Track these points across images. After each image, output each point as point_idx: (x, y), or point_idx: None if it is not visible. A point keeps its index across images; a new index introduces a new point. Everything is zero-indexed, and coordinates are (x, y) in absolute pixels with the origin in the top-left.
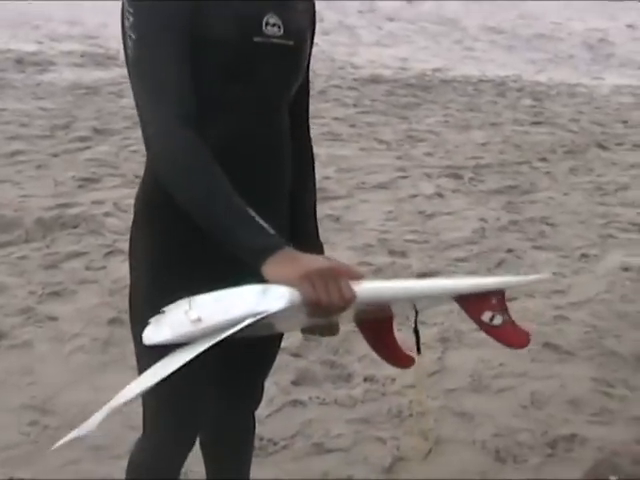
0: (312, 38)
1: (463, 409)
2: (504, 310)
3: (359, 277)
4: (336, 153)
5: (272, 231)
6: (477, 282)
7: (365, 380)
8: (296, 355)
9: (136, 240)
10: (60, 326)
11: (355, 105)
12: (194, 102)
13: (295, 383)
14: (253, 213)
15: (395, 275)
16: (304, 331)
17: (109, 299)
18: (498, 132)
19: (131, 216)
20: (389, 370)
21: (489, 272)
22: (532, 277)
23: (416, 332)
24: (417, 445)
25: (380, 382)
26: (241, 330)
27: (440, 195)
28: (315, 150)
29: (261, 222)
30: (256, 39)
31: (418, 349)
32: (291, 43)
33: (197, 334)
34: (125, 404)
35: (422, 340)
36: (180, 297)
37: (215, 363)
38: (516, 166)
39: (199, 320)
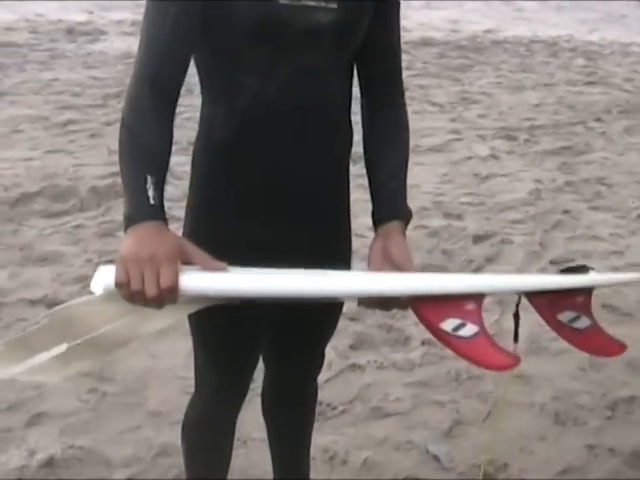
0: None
1: (521, 372)
2: (589, 312)
3: (215, 268)
4: None
5: (153, 201)
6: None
7: (423, 343)
8: (354, 319)
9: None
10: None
11: (407, 68)
12: (177, 74)
13: (353, 347)
14: (148, 177)
15: (451, 237)
16: (361, 303)
17: None
18: (552, 93)
19: (186, 183)
20: None
21: (545, 234)
22: (627, 276)
23: (516, 317)
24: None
25: (438, 345)
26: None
27: (495, 157)
28: None
29: (148, 187)
30: (282, 1)
31: (515, 336)
32: (333, 6)
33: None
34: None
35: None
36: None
37: (273, 327)
38: (570, 127)
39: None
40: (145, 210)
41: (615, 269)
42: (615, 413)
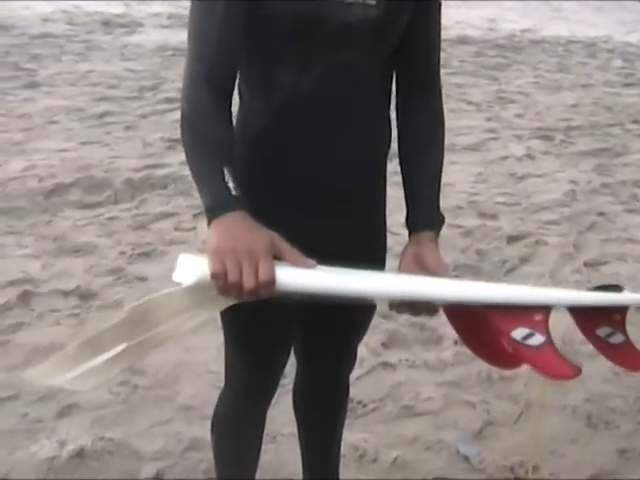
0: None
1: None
2: (624, 328)
3: (305, 265)
4: None
5: (235, 192)
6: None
7: (455, 343)
8: (386, 317)
9: None
10: (150, 286)
11: (444, 66)
12: (230, 66)
13: (385, 345)
14: (225, 169)
15: (485, 237)
16: (392, 307)
17: None
18: (589, 93)
19: None
20: None
21: (580, 235)
22: None
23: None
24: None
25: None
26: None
27: (530, 157)
28: None
29: (227, 179)
30: None
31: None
32: (372, 2)
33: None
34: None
35: None
36: None
37: (305, 324)
38: (607, 128)
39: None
40: (229, 201)
41: None
42: None
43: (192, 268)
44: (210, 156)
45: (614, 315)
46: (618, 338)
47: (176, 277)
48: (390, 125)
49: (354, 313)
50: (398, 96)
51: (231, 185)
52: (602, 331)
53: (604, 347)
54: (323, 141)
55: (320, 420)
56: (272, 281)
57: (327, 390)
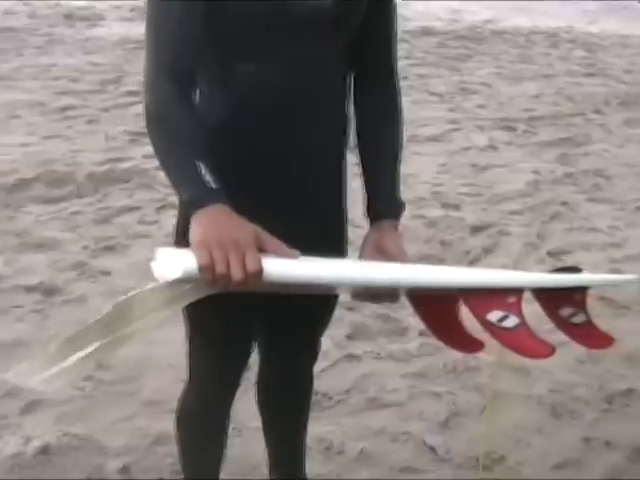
0: None
1: (519, 364)
2: (585, 308)
3: (289, 255)
4: None
5: (212, 185)
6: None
7: (420, 334)
8: (351, 309)
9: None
10: (113, 280)
11: (407, 57)
12: (191, 59)
13: (350, 337)
14: (200, 163)
15: (448, 228)
16: (355, 296)
17: None
18: (551, 84)
19: None
20: None
21: (543, 225)
22: (621, 277)
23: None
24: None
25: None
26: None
27: (493, 147)
28: None
29: (203, 174)
30: None
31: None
32: None
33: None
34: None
35: None
36: None
37: (268, 317)
38: (569, 118)
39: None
40: (209, 194)
41: (613, 261)
42: (612, 406)
43: (177, 261)
44: (183, 151)
45: (575, 296)
46: (580, 318)
47: (157, 271)
48: (348, 116)
49: (316, 306)
50: (356, 89)
51: (208, 178)
52: (565, 311)
53: (568, 327)
54: (282, 132)
55: (284, 414)
56: (260, 271)
57: (290, 384)
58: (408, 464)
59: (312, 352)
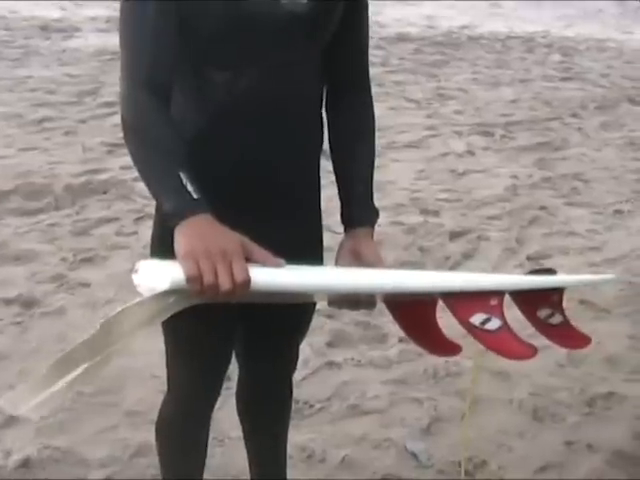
0: None
1: (500, 368)
2: (562, 309)
3: (275, 264)
4: None
5: (195, 195)
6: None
7: (400, 341)
8: (330, 316)
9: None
10: (92, 292)
11: (383, 64)
12: (168, 68)
13: (330, 345)
14: (181, 174)
15: (427, 234)
16: (332, 303)
17: None
18: (528, 88)
19: None
20: None
21: (522, 230)
22: (599, 277)
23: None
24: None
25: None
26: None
27: (471, 153)
28: None
29: (185, 183)
30: None
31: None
32: (303, 1)
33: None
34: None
35: None
36: None
37: (246, 326)
38: (547, 122)
39: (138, 285)
40: (193, 204)
41: (592, 265)
42: (593, 409)
43: (163, 273)
44: (163, 160)
45: (552, 297)
46: (557, 319)
47: (141, 283)
48: (322, 123)
49: (293, 313)
50: (329, 95)
51: (190, 189)
52: (542, 313)
53: (546, 329)
54: (258, 141)
55: (265, 423)
56: (248, 281)
57: (270, 393)
58: (390, 471)
59: (291, 360)
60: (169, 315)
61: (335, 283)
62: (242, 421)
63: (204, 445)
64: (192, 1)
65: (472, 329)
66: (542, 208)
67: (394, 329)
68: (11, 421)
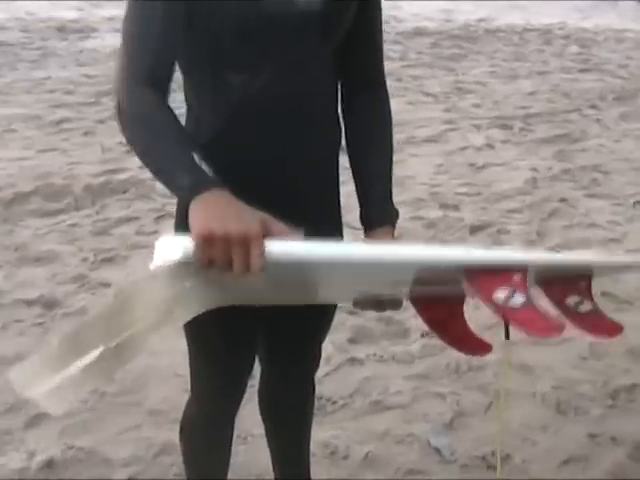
0: None
1: (522, 362)
2: (591, 296)
3: (295, 238)
4: None
5: (208, 173)
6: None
7: (422, 336)
8: (352, 312)
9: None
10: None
11: (400, 59)
12: (169, 66)
13: (352, 341)
14: (194, 154)
15: (448, 228)
16: (356, 304)
17: None
18: (546, 81)
19: None
20: None
21: (542, 222)
22: (629, 259)
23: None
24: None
25: (437, 337)
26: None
27: (490, 146)
28: None
29: (200, 164)
30: None
31: (507, 332)
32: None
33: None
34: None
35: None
36: None
37: (267, 329)
38: (566, 114)
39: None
40: (209, 179)
41: (614, 256)
42: (616, 401)
43: (176, 245)
44: (175, 146)
45: (580, 284)
46: (586, 307)
47: (157, 261)
48: (339, 121)
49: (315, 315)
50: (345, 94)
51: (205, 168)
52: (571, 300)
53: (575, 317)
54: (277, 142)
55: (287, 422)
56: (264, 264)
57: (292, 392)
58: (414, 466)
59: (313, 358)
60: (189, 313)
61: (357, 254)
62: (264, 420)
63: (228, 445)
64: (206, 2)
65: (496, 306)
66: (562, 200)
67: (416, 324)
68: (35, 421)
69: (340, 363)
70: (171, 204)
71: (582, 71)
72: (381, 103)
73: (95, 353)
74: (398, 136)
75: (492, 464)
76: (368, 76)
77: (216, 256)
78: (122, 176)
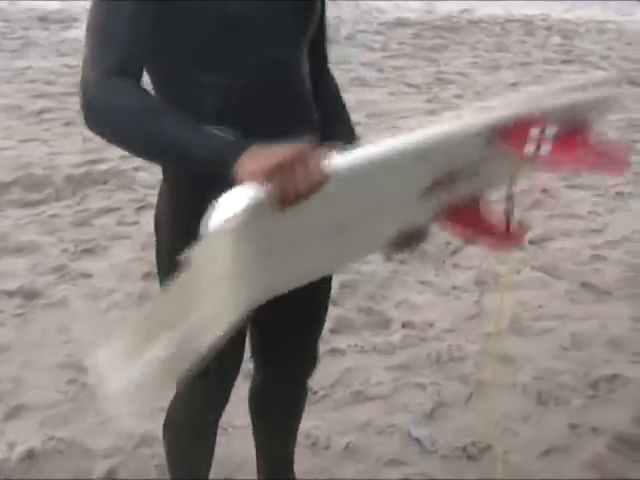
0: None
1: (503, 352)
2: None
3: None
4: (365, 98)
5: (231, 137)
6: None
7: (403, 326)
8: (333, 303)
9: (162, 188)
10: (94, 283)
11: (382, 49)
12: (139, 59)
13: (333, 331)
14: (196, 124)
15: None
16: (389, 247)
17: (142, 254)
18: (528, 72)
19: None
20: (427, 315)
21: (524, 213)
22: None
23: (509, 197)
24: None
25: (418, 327)
26: None
27: None
28: (343, 96)
29: (216, 131)
30: None
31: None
32: None
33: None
34: None
35: (459, 282)
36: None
37: (260, 329)
38: None
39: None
40: (238, 140)
41: (594, 247)
42: (597, 392)
43: (236, 195)
44: (179, 121)
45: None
46: (550, 132)
47: (214, 222)
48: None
49: (308, 307)
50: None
51: (223, 133)
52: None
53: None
54: (263, 137)
55: (277, 423)
56: (326, 175)
57: (286, 394)
58: (394, 457)
59: (310, 359)
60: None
61: (407, 142)
62: (253, 418)
63: (212, 443)
64: (176, 2)
65: (531, 159)
66: (543, 191)
67: (397, 314)
68: (15, 412)
69: (321, 354)
70: (152, 195)
71: (564, 62)
72: (333, 80)
73: (161, 351)
74: (379, 127)
75: (472, 454)
76: (323, 59)
77: (282, 182)
78: (103, 167)
